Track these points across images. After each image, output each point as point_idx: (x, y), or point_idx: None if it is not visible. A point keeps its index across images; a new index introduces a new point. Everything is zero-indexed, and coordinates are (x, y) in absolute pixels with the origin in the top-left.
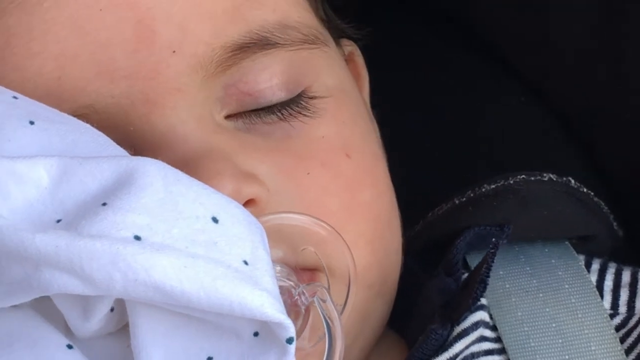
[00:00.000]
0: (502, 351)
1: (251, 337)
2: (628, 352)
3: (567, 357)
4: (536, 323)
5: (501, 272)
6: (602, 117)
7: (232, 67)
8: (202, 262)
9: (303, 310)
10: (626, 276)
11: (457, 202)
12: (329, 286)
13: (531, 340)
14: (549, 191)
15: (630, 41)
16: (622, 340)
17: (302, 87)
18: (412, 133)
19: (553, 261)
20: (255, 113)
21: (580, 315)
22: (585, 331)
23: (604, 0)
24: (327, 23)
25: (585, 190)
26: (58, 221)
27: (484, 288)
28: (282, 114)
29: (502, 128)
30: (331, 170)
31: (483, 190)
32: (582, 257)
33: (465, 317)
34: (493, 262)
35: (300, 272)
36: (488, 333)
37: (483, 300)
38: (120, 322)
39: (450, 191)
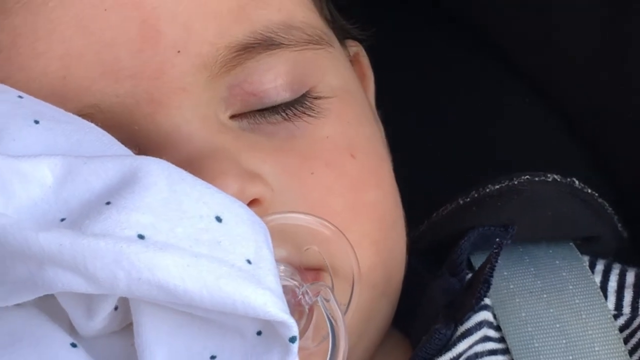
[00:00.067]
0: (505, 351)
1: (254, 336)
2: (632, 352)
3: (570, 357)
4: (540, 323)
5: (505, 273)
6: (605, 118)
7: (237, 67)
8: (205, 261)
9: (307, 310)
10: (630, 277)
11: (461, 202)
12: (332, 286)
13: (535, 341)
14: (553, 192)
15: (633, 41)
16: (626, 340)
17: (306, 87)
18: (413, 133)
19: (557, 262)
20: (259, 113)
21: (584, 316)
22: (589, 332)
23: (606, 1)
24: (332, 23)
25: (589, 191)
26: (62, 220)
27: (488, 288)
28: (286, 114)
29: (505, 128)
30: (335, 170)
31: (487, 190)
32: (586, 258)
33: (469, 317)
34: (497, 262)
35: (304, 272)
36: (492, 333)
37: (487, 301)
38: (124, 320)
39: (452, 191)
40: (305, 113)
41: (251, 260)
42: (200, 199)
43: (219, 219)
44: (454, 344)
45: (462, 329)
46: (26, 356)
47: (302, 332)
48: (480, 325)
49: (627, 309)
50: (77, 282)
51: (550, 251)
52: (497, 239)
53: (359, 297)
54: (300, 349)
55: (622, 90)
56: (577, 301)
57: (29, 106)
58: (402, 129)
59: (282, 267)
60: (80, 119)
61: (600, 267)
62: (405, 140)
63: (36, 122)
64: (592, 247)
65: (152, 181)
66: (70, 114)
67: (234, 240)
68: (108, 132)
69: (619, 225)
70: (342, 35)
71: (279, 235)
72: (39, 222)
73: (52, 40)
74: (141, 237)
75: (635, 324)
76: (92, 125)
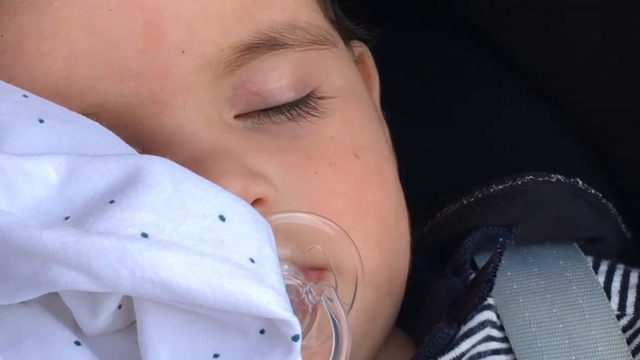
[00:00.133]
0: (509, 351)
1: (257, 334)
2: (635, 353)
3: (574, 357)
4: (543, 324)
5: (509, 273)
6: (605, 117)
7: (241, 68)
8: (208, 260)
9: (310, 309)
10: (634, 277)
11: (465, 202)
12: (336, 285)
13: (538, 341)
14: (556, 192)
15: (633, 41)
16: (629, 341)
17: (310, 87)
18: (411, 133)
19: (561, 262)
20: (264, 113)
21: (587, 316)
22: (592, 332)
23: (606, 1)
24: (337, 24)
25: (593, 191)
26: (66, 218)
27: (491, 287)
28: (290, 114)
29: (507, 128)
30: (339, 170)
31: (491, 190)
32: (590, 259)
33: (472, 317)
34: (500, 261)
35: (308, 271)
36: (495, 333)
37: (490, 300)
38: (128, 319)
39: (450, 191)
40: (309, 113)
41: (254, 259)
42: (203, 197)
43: (222, 218)
44: (457, 343)
45: (465, 328)
46: (31, 354)
47: (306, 331)
48: (483, 324)
49: (630, 310)
50: (81, 280)
51: (554, 251)
52: (501, 239)
53: (362, 297)
54: (303, 347)
55: (623, 90)
56: (580, 301)
57: (33, 105)
58: (400, 129)
59: (285, 266)
60: (84, 118)
61: (604, 267)
62: (403, 140)
63: (41, 121)
64: (596, 247)
65: (155, 180)
66: (75, 113)
67: (237, 239)
68: (112, 131)
69: (623, 226)
70: (347, 36)
71: (283, 235)
72: (43, 220)
73: (57, 40)
74: (145, 235)
75: (638, 325)
76: (97, 124)
